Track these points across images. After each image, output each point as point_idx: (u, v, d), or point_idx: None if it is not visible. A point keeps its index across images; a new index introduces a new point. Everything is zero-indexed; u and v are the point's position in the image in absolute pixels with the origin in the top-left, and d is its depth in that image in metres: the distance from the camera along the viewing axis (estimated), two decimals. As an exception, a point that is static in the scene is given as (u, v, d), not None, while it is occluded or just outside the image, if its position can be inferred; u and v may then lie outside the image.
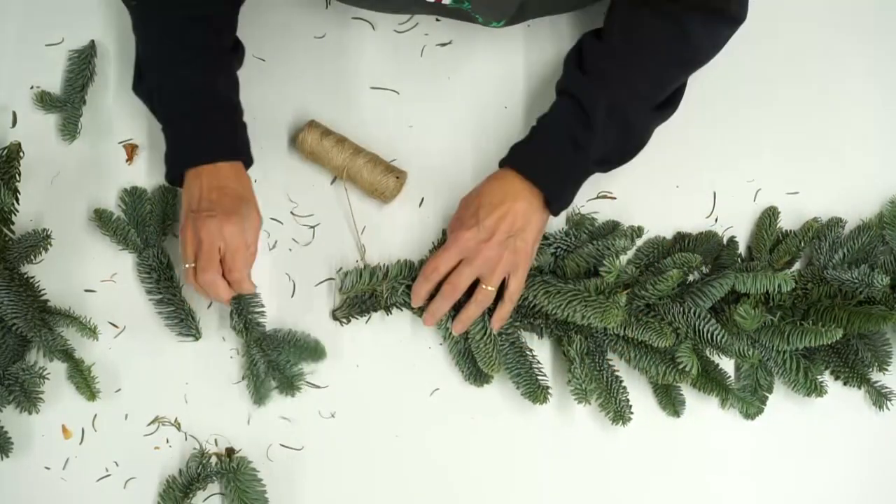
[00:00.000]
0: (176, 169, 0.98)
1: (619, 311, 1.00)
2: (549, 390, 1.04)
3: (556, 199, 0.99)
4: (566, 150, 0.97)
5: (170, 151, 0.99)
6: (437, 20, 1.13)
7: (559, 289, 1.02)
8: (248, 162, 1.00)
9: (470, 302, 1.00)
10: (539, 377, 1.04)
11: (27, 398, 1.02)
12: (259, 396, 1.04)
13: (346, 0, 1.02)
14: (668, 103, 1.02)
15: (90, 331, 1.02)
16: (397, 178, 1.06)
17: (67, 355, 1.03)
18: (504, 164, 1.00)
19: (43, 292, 1.05)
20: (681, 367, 1.01)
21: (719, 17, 0.97)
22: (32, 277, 1.05)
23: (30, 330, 1.00)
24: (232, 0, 1.02)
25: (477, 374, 1.05)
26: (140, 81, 1.01)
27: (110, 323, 1.06)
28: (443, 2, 0.93)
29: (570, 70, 1.01)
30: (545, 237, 1.08)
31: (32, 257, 1.04)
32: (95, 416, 1.05)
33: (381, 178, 1.06)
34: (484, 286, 0.98)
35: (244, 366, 1.05)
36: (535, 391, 1.03)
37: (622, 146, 1.01)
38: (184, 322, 1.05)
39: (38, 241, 1.03)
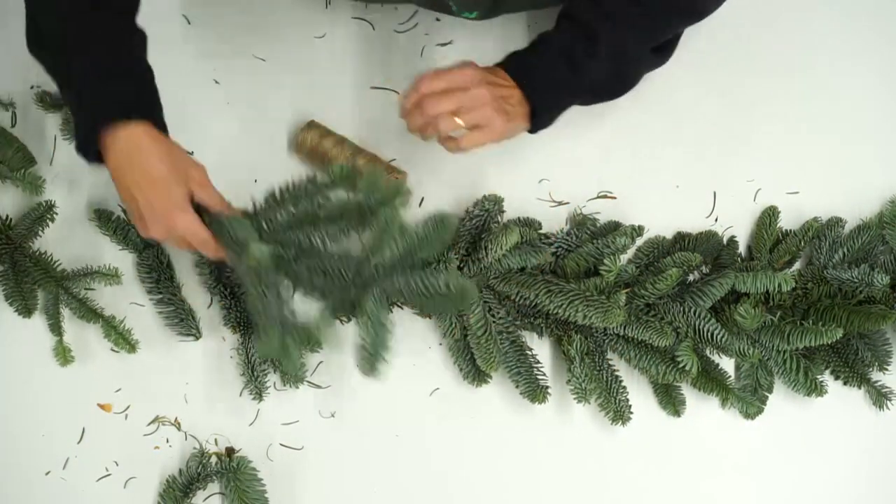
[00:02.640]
0: (90, 134, 0.90)
1: (620, 312, 1.00)
2: (549, 390, 1.04)
3: (541, 113, 0.97)
4: (562, 70, 0.95)
5: (78, 114, 0.92)
6: (437, 20, 1.13)
7: (561, 288, 1.02)
8: (164, 130, 0.94)
9: (431, 122, 0.93)
10: (538, 377, 1.04)
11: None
12: (258, 391, 1.04)
13: None
14: (664, 49, 1.01)
15: (113, 276, 1.02)
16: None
17: (97, 314, 1.03)
18: (504, 66, 0.97)
19: (57, 263, 1.05)
20: (681, 366, 1.01)
21: None
22: (45, 252, 1.05)
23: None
24: None
25: (475, 374, 1.05)
26: (41, 43, 0.94)
27: (110, 323, 1.06)
28: None
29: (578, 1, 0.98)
30: (546, 236, 1.08)
31: (39, 231, 1.04)
32: (95, 416, 1.05)
33: None
34: (455, 118, 0.92)
35: (240, 363, 1.05)
36: (535, 390, 1.03)
37: (614, 79, 0.99)
38: (184, 322, 1.05)
39: (43, 214, 1.03)
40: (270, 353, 0.93)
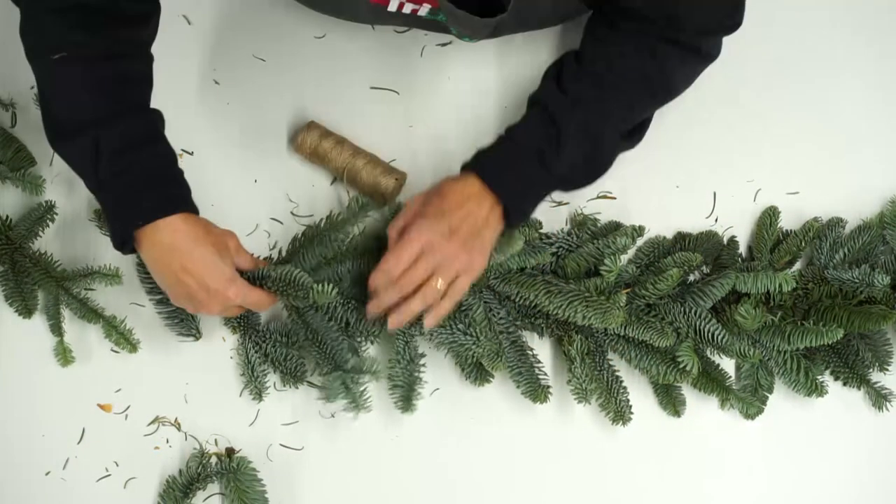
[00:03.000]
0: (127, 231, 0.92)
1: (620, 312, 1.00)
2: (550, 389, 1.04)
3: (515, 212, 0.97)
4: (532, 165, 0.96)
5: (115, 212, 0.93)
6: (437, 20, 1.13)
7: (560, 288, 1.02)
8: (196, 212, 0.96)
9: (416, 295, 0.96)
10: (539, 376, 1.04)
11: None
12: (257, 391, 1.04)
13: (328, 12, 1.02)
14: (634, 133, 1.02)
15: (114, 277, 1.02)
16: (396, 179, 1.06)
17: (98, 315, 1.03)
18: (467, 168, 0.98)
19: (58, 263, 1.05)
20: (681, 366, 1.01)
21: (695, 54, 0.98)
22: (44, 253, 1.05)
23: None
24: (146, 27, 0.97)
25: (477, 374, 1.05)
26: (64, 140, 0.93)
27: (110, 323, 1.06)
28: (419, 14, 0.93)
29: (547, 85, 0.99)
30: (546, 236, 1.08)
31: (40, 231, 1.04)
32: (95, 417, 1.05)
33: (380, 179, 1.06)
34: (433, 282, 0.95)
35: (240, 363, 1.05)
36: (536, 390, 1.03)
37: (586, 169, 1.00)
38: (184, 322, 1.05)
39: (43, 214, 1.03)
40: (336, 398, 1.02)
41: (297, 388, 1.05)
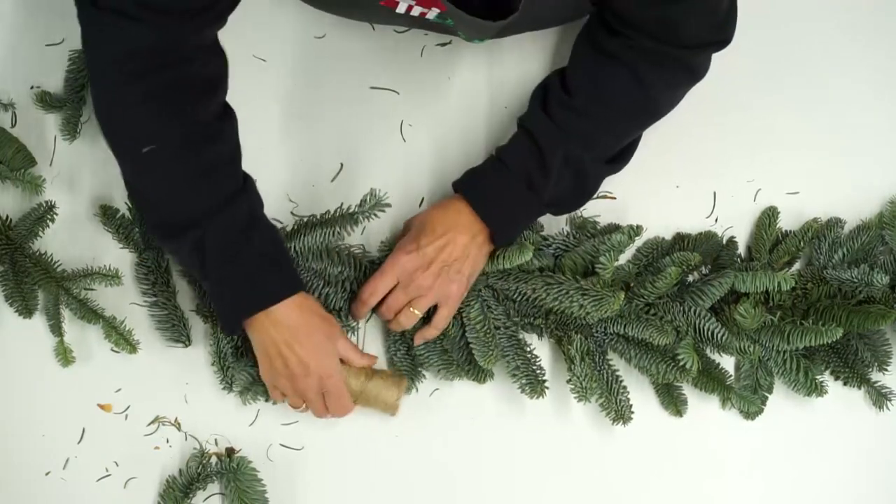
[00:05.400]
0: (234, 321, 0.94)
1: (616, 301, 1.00)
2: (546, 384, 1.03)
3: (502, 236, 1.00)
4: (520, 190, 0.98)
5: (225, 301, 0.94)
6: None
7: (557, 280, 1.02)
8: (302, 289, 0.95)
9: (393, 320, 1.01)
10: (537, 372, 1.04)
11: None
12: (228, 383, 1.04)
13: (333, 11, 1.03)
14: (620, 157, 1.02)
15: (114, 277, 1.02)
16: (398, 388, 1.03)
17: (98, 315, 1.03)
18: (458, 187, 1.01)
19: (58, 263, 1.05)
20: (681, 364, 1.01)
21: (684, 73, 0.98)
22: (44, 253, 1.05)
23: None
24: (224, 105, 0.96)
25: (476, 371, 1.05)
26: (166, 239, 0.93)
27: (110, 323, 1.06)
28: (427, 17, 0.94)
29: (534, 109, 1.01)
30: (544, 238, 1.08)
31: (40, 231, 1.04)
32: (96, 417, 1.05)
33: (384, 395, 1.02)
34: (411, 309, 0.99)
35: (211, 353, 1.05)
36: (534, 384, 1.03)
37: (573, 194, 1.01)
38: (175, 328, 1.05)
39: (43, 214, 1.03)
40: None
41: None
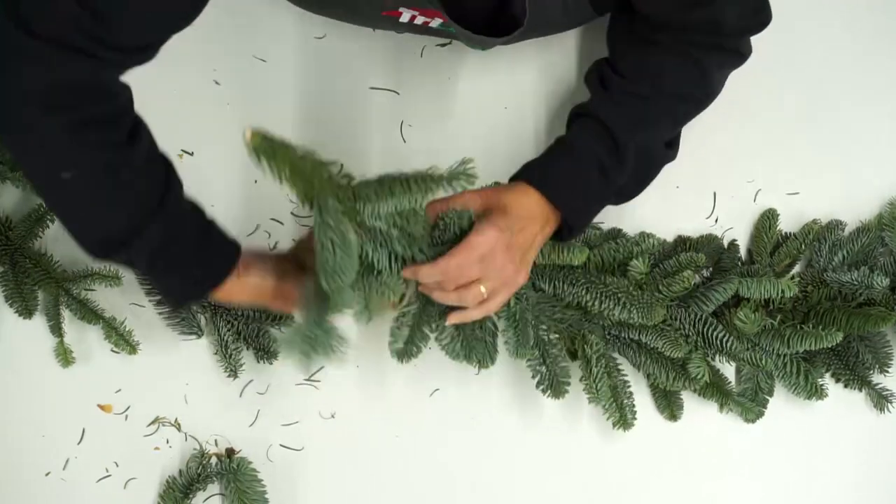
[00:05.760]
0: (185, 307, 0.99)
1: (662, 311, 1.00)
2: (568, 385, 1.02)
3: (575, 224, 0.97)
4: (593, 176, 0.95)
5: (168, 299, 0.93)
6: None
7: (602, 281, 1.01)
8: (240, 251, 0.93)
9: (453, 293, 0.92)
10: (558, 371, 1.02)
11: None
12: (232, 369, 1.04)
13: (335, 17, 1.02)
14: (675, 142, 1.02)
15: (113, 278, 1.02)
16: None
17: (98, 316, 1.03)
18: (524, 179, 0.95)
19: (58, 264, 1.05)
20: (694, 376, 1.00)
21: (735, 57, 0.99)
22: (44, 253, 1.05)
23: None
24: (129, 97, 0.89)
25: (485, 351, 1.00)
26: (108, 252, 0.87)
27: (110, 323, 1.06)
28: (430, 25, 0.93)
29: (598, 95, 0.99)
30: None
31: (40, 232, 1.04)
32: (96, 417, 1.05)
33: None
34: (476, 287, 0.92)
35: (212, 342, 1.05)
36: (556, 385, 1.01)
37: (638, 180, 1.00)
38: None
39: (43, 214, 1.03)
40: (294, 349, 0.89)
41: (270, 363, 1.05)
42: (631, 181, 0.99)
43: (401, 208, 0.86)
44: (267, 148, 0.80)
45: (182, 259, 0.88)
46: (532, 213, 0.94)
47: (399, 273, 0.92)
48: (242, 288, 0.91)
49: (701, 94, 0.99)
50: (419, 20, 0.92)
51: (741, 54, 0.99)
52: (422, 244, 0.92)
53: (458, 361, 1.00)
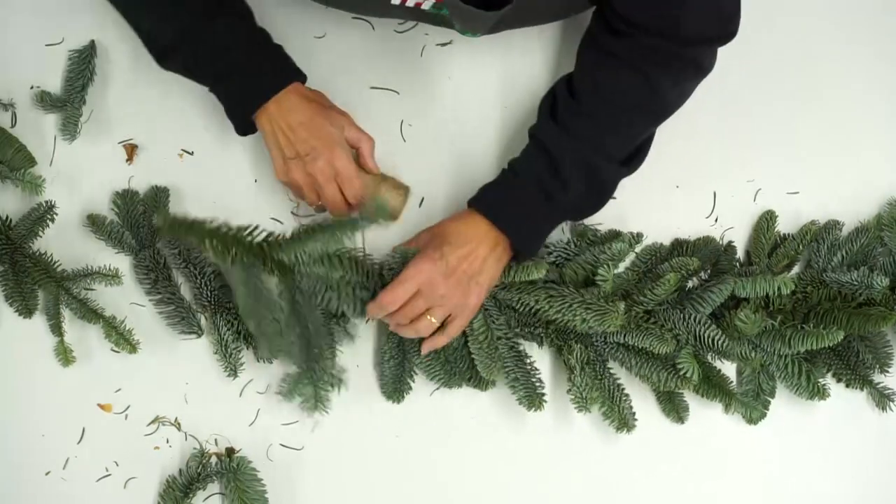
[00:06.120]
0: (243, 117, 0.99)
1: (618, 316, 1.00)
2: (545, 397, 1.04)
3: (525, 248, 1.00)
4: (538, 201, 0.98)
5: (230, 104, 0.99)
6: (438, 20, 1.13)
7: (560, 293, 1.02)
8: (304, 79, 1.01)
9: (409, 327, 0.99)
10: (535, 383, 1.04)
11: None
12: (232, 369, 1.04)
13: (331, 4, 1.03)
14: (635, 157, 1.02)
15: (113, 277, 1.02)
16: (400, 194, 1.04)
17: (98, 315, 1.03)
18: (473, 205, 1.00)
19: (58, 263, 1.05)
20: (682, 373, 1.01)
21: (692, 69, 0.97)
22: (44, 253, 1.05)
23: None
24: None
25: (478, 380, 1.05)
26: (166, 58, 0.99)
27: (110, 323, 1.06)
28: (422, 7, 0.93)
29: (543, 118, 1.01)
30: (546, 246, 1.08)
31: (40, 231, 1.04)
32: (96, 417, 1.05)
33: (386, 196, 1.03)
34: (429, 316, 0.98)
35: (213, 342, 1.05)
36: (532, 397, 1.03)
37: (591, 199, 1.01)
38: (185, 320, 1.05)
39: (43, 214, 1.04)
40: (294, 397, 0.99)
41: (270, 363, 1.05)
42: (584, 200, 1.01)
43: (323, 250, 0.95)
44: (174, 226, 0.90)
45: (254, 52, 0.97)
46: (478, 237, 0.98)
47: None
48: (295, 105, 0.97)
49: (653, 109, 0.99)
50: (411, 1, 0.92)
51: (700, 66, 0.97)
52: (367, 286, 1.00)
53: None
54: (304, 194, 1.00)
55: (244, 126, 1.00)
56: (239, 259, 0.94)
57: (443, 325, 1.00)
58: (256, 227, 0.95)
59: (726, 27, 0.95)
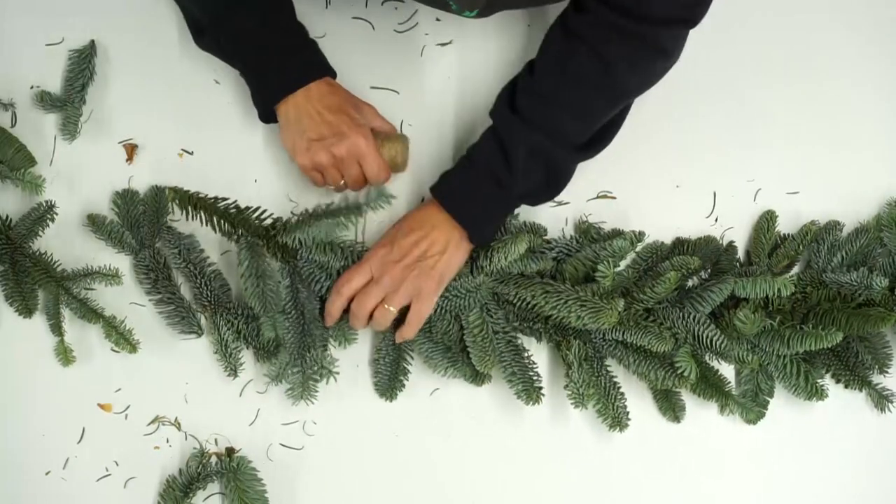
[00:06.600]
0: (270, 102, 1.00)
1: (613, 313, 1.00)
2: (542, 391, 1.04)
3: (476, 234, 1.00)
4: (488, 187, 0.99)
5: (258, 88, 1.01)
6: (437, 19, 1.13)
7: (556, 289, 1.02)
8: (333, 75, 1.03)
9: (368, 317, 1.00)
10: (533, 377, 1.04)
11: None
12: (232, 369, 1.04)
13: None
14: (595, 142, 1.01)
15: (114, 277, 1.02)
16: (397, 144, 1.05)
17: (98, 315, 1.03)
18: (431, 191, 1.02)
19: (58, 263, 1.05)
20: (679, 371, 1.01)
21: (654, 53, 0.95)
22: (44, 253, 1.05)
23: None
24: None
25: (474, 374, 1.05)
26: (202, 35, 1.01)
27: (110, 323, 1.06)
28: None
29: (499, 103, 1.01)
30: (547, 242, 1.08)
31: (40, 231, 1.04)
32: (95, 417, 1.05)
33: (384, 150, 1.04)
34: (385, 305, 0.99)
35: (212, 342, 1.05)
36: (529, 391, 1.03)
37: (545, 185, 1.01)
38: (185, 320, 1.05)
39: (43, 214, 1.04)
40: (282, 381, 1.04)
41: (270, 363, 1.05)
42: (538, 186, 1.00)
43: (326, 236, 1.01)
44: (184, 201, 0.99)
45: (289, 40, 0.99)
46: (432, 222, 1.00)
47: None
48: (325, 93, 0.99)
49: (607, 89, 0.97)
50: None
51: (662, 50, 0.95)
52: None
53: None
54: (327, 174, 1.01)
55: (267, 114, 1.02)
56: (244, 239, 0.99)
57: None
58: (264, 210, 1.01)
59: (691, 10, 0.92)
